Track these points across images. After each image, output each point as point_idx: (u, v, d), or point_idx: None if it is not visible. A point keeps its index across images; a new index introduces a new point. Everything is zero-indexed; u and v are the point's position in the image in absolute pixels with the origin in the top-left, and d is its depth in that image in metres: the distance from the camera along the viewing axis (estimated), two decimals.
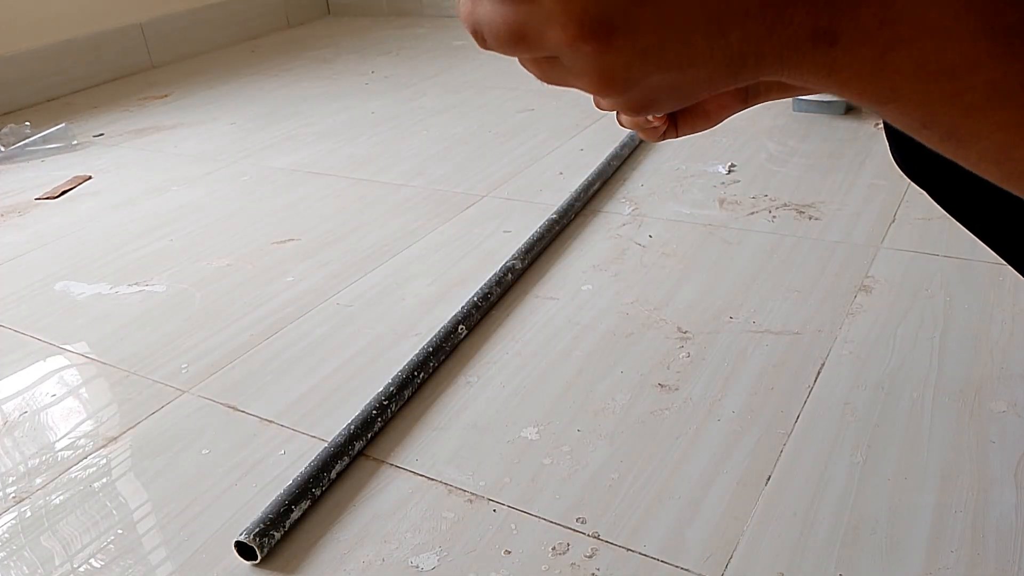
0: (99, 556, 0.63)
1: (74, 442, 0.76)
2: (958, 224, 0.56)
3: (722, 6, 0.27)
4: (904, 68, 0.28)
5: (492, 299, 0.89)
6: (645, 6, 0.27)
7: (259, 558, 0.60)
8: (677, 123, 0.50)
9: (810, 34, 0.28)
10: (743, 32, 0.28)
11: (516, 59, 0.31)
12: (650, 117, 0.51)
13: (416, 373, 0.76)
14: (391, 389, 0.74)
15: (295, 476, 0.65)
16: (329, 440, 0.70)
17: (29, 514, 0.68)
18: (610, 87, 0.29)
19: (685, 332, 0.82)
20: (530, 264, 0.97)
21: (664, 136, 0.50)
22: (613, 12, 0.27)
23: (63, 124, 1.72)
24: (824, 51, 0.28)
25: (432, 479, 0.66)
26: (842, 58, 0.28)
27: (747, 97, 0.53)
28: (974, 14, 0.27)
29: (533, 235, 1.01)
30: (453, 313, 0.86)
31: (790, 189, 1.11)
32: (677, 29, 0.28)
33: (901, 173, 0.56)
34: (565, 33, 0.27)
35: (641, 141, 1.30)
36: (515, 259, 0.96)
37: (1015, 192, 0.31)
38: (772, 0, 0.27)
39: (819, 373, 0.74)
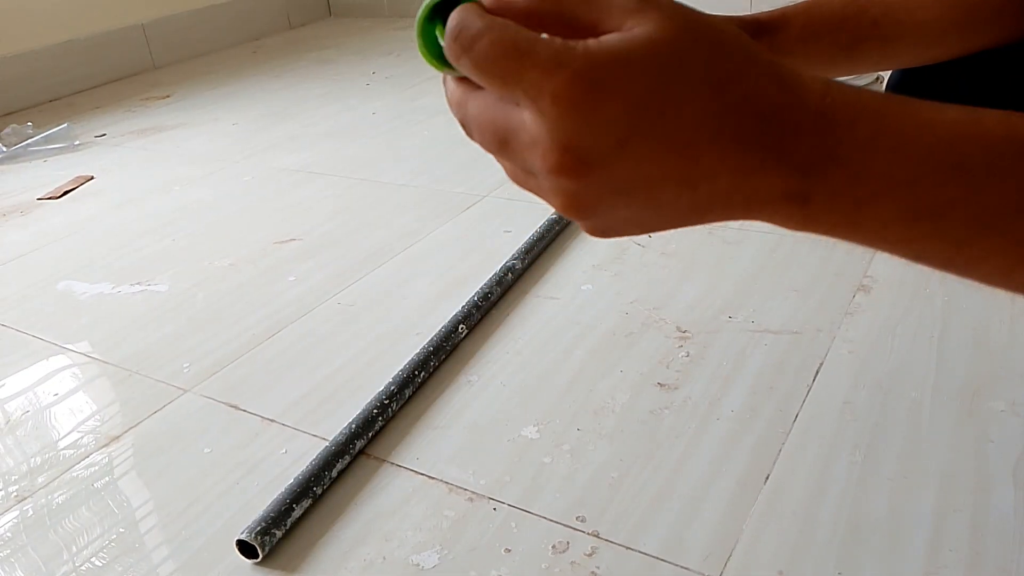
0: (101, 555, 0.63)
1: (76, 441, 0.76)
2: None
3: (692, 166, 0.28)
4: (883, 216, 0.28)
5: (493, 299, 0.89)
6: (624, 152, 0.27)
7: (260, 556, 0.60)
8: None
9: (781, 195, 0.28)
10: (712, 188, 0.28)
11: None
12: None
13: (417, 372, 0.77)
14: (392, 388, 0.74)
15: (296, 475, 0.65)
16: (330, 439, 0.70)
17: (31, 513, 0.68)
18: (576, 213, 0.30)
19: (685, 332, 0.82)
20: (530, 264, 0.98)
21: None
22: (594, 151, 0.27)
23: (65, 124, 1.73)
24: (797, 208, 0.29)
25: (433, 478, 0.67)
26: (817, 214, 0.29)
27: None
28: (940, 155, 0.28)
29: (533, 235, 1.01)
30: (454, 312, 0.86)
31: None
32: (649, 178, 0.28)
33: None
34: (545, 160, 0.28)
35: None
36: (515, 259, 0.96)
37: None
38: (741, 165, 0.28)
39: (818, 372, 0.74)
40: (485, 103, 0.30)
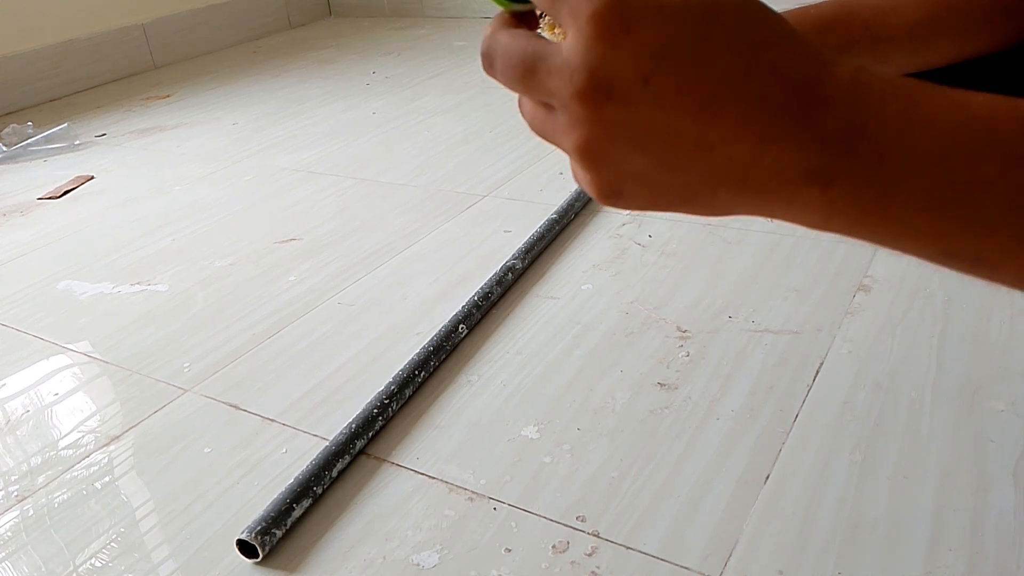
0: (101, 554, 0.63)
1: (77, 441, 0.76)
2: None
3: (712, 124, 0.27)
4: (913, 201, 0.26)
5: (493, 298, 0.89)
6: (647, 91, 0.27)
7: (261, 556, 0.60)
8: None
9: (802, 173, 0.27)
10: (728, 155, 0.27)
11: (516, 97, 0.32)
12: None
13: (417, 372, 0.77)
14: (392, 388, 0.74)
15: (297, 475, 0.65)
16: (330, 439, 0.70)
17: (32, 512, 0.68)
18: (588, 156, 0.29)
19: (685, 331, 0.82)
20: (530, 264, 0.98)
21: None
22: (618, 82, 0.27)
23: (66, 124, 1.73)
24: (819, 192, 0.27)
25: (433, 478, 0.67)
26: (840, 200, 0.27)
27: None
28: (975, 130, 0.26)
29: (533, 235, 1.01)
30: (454, 312, 0.87)
31: None
32: (667, 129, 0.27)
33: None
34: (570, 83, 0.28)
35: None
36: (516, 259, 0.96)
37: None
38: (763, 132, 0.27)
39: (818, 372, 0.74)
40: (518, 34, 0.30)
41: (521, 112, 0.32)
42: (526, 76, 0.29)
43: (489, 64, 0.31)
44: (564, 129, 0.29)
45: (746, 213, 0.29)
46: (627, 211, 0.31)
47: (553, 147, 1.34)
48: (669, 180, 0.29)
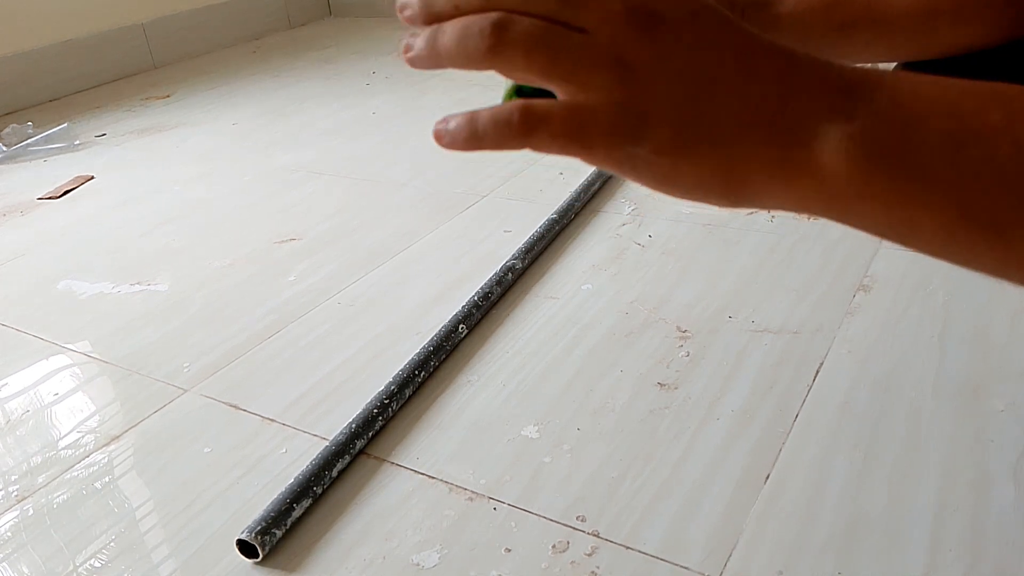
0: (101, 554, 0.63)
1: (76, 440, 0.76)
2: None
3: (748, 59, 0.28)
4: (929, 142, 0.27)
5: (492, 298, 0.89)
6: (696, 22, 0.28)
7: (261, 556, 0.60)
8: None
9: (826, 109, 0.28)
10: (762, 91, 0.28)
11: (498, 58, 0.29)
12: None
13: (417, 372, 0.77)
14: (392, 388, 0.74)
15: (296, 474, 0.65)
16: (330, 439, 0.70)
17: (32, 512, 0.68)
18: (626, 72, 0.28)
19: (685, 331, 0.82)
20: (530, 264, 0.98)
21: None
22: (669, 10, 0.28)
23: (65, 124, 1.73)
24: (841, 127, 0.28)
25: (433, 477, 0.67)
26: (860, 136, 0.27)
27: None
28: (978, 89, 0.27)
29: (533, 235, 1.01)
30: (454, 312, 0.87)
31: None
32: (707, 57, 0.28)
33: None
34: (622, 3, 0.28)
35: None
36: (515, 259, 0.96)
37: None
38: (791, 79, 0.28)
39: (818, 372, 0.74)
40: None
41: (504, 33, 0.28)
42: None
43: None
44: (598, 49, 0.28)
45: (762, 171, 0.28)
46: (632, 175, 0.28)
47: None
48: (699, 115, 0.28)
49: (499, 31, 0.28)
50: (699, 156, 0.29)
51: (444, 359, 0.81)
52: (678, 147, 0.29)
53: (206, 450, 0.73)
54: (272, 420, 0.76)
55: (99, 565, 0.62)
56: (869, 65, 0.30)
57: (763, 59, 0.29)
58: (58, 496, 0.70)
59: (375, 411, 0.72)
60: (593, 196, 1.15)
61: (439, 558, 0.59)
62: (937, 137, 0.27)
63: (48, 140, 1.68)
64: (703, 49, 0.28)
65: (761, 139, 0.28)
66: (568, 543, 0.59)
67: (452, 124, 0.30)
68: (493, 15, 0.29)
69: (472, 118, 0.30)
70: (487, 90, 1.71)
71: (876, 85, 0.28)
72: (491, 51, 0.28)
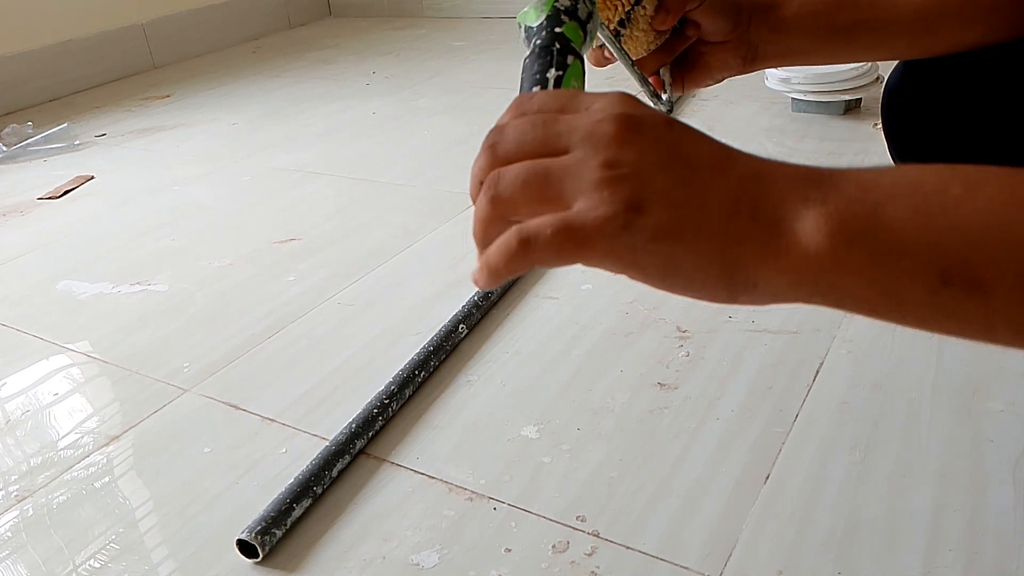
0: (101, 554, 0.63)
1: (76, 441, 0.76)
2: None
3: (725, 156, 0.32)
4: (900, 215, 0.29)
5: (492, 299, 0.89)
6: (672, 129, 0.32)
7: (261, 556, 0.60)
8: (683, 79, 0.56)
9: (800, 201, 0.30)
10: (740, 176, 0.31)
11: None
12: (664, 78, 0.57)
13: (417, 372, 0.77)
14: (392, 388, 0.74)
15: (296, 474, 0.65)
16: (330, 439, 0.70)
17: (31, 512, 0.68)
18: (616, 171, 0.31)
19: (684, 331, 0.82)
20: None
21: (671, 90, 0.56)
22: (647, 121, 0.32)
23: (65, 124, 1.73)
24: (817, 210, 0.29)
25: (432, 477, 0.67)
26: (836, 216, 0.29)
27: (748, 60, 0.55)
28: (933, 170, 0.30)
29: None
30: (453, 312, 0.87)
31: None
32: (687, 150, 0.32)
33: None
34: (608, 110, 0.32)
35: None
36: None
37: None
38: (766, 170, 0.31)
39: (817, 372, 0.74)
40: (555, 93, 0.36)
41: (493, 191, 0.33)
42: (562, 109, 0.33)
43: (520, 112, 0.35)
44: (584, 164, 0.31)
45: (754, 253, 0.30)
46: (634, 270, 0.30)
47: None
48: (689, 197, 0.30)
49: (491, 189, 0.33)
50: (694, 238, 0.30)
51: (444, 359, 0.81)
52: (675, 230, 0.30)
53: (206, 450, 0.73)
54: (272, 420, 0.76)
55: (99, 565, 0.62)
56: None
57: (737, 154, 0.32)
58: (58, 496, 0.70)
59: (375, 411, 0.72)
60: None
61: (439, 558, 0.59)
62: (906, 212, 0.29)
63: (48, 140, 1.68)
64: (683, 146, 0.31)
65: (748, 221, 0.30)
66: (568, 543, 0.59)
67: (477, 274, 0.33)
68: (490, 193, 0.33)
69: (485, 260, 0.32)
70: (482, 92, 1.71)
71: (840, 177, 0.30)
72: (492, 203, 0.33)
